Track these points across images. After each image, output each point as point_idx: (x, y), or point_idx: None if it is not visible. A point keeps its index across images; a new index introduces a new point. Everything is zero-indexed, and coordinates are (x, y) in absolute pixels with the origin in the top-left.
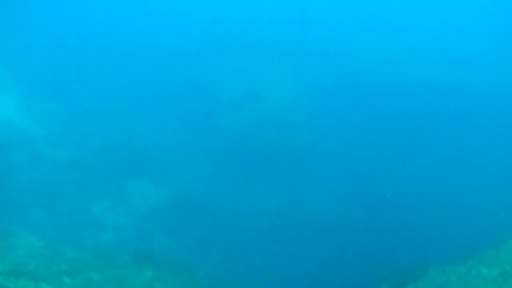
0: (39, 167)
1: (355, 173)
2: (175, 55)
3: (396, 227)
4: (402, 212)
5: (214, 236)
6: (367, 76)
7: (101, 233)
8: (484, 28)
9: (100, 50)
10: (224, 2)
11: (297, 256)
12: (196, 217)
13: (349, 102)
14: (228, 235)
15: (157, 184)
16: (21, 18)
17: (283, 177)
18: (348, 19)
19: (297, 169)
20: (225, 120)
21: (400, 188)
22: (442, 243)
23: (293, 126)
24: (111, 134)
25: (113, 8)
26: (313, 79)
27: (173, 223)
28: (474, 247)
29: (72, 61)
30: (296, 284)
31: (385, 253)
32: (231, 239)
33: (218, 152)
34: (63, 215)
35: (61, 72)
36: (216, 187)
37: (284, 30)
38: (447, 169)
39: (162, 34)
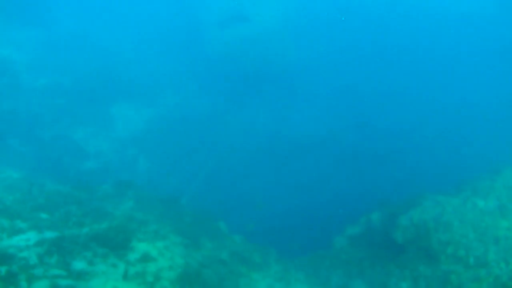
0: (19, 96)
1: (345, 96)
2: None
3: (388, 154)
4: (393, 139)
5: (198, 161)
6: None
7: (83, 161)
8: None
9: None
10: None
11: (284, 182)
12: (180, 142)
13: (337, 25)
14: (213, 160)
15: (141, 108)
16: None
17: (270, 99)
18: None
19: (285, 91)
20: (211, 42)
21: (392, 115)
22: (436, 173)
23: (281, 48)
24: (93, 59)
25: None
26: (301, 1)
27: (156, 148)
28: (468, 177)
29: None
30: (282, 211)
31: (376, 181)
32: (216, 165)
33: (204, 75)
34: (43, 144)
35: None
36: (201, 111)
37: None
38: (442, 95)
39: None
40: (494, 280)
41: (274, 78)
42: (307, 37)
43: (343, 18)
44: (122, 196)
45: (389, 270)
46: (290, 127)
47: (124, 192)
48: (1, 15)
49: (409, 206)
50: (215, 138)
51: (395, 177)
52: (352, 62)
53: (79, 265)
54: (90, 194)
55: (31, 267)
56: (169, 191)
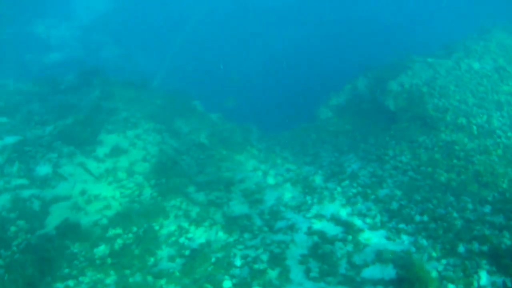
0: None
1: None
2: None
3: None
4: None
5: (168, 41)
6: None
7: (46, 54)
8: None
9: None
10: None
11: (261, 52)
12: (147, 23)
13: None
14: (184, 37)
15: None
16: None
17: None
18: None
19: None
20: None
21: None
22: (422, 34)
23: None
24: None
25: None
26: None
27: (122, 32)
28: (458, 37)
29: None
30: (260, 85)
31: (358, 46)
32: (188, 41)
33: None
34: (3, 42)
35: None
36: None
37: None
38: None
39: None
40: (503, 152)
41: None
42: None
43: None
44: (87, 85)
45: (383, 142)
46: None
47: (89, 81)
48: None
49: (398, 70)
50: (187, 13)
51: (379, 40)
52: None
53: (43, 170)
54: (53, 88)
55: None
56: (138, 76)
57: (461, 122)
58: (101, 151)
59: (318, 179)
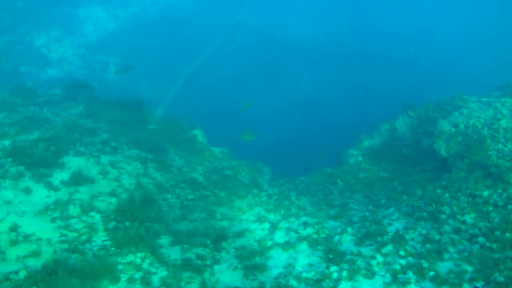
0: None
1: None
2: None
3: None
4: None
5: (176, 68)
6: None
7: (43, 69)
8: None
9: None
10: None
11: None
12: (159, 46)
13: None
14: (192, 67)
15: (114, 8)
16: None
17: None
18: None
19: None
20: None
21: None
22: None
23: None
24: None
25: None
26: None
27: (129, 53)
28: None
29: None
30: (277, 120)
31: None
32: (195, 72)
33: None
34: None
35: None
36: (185, 10)
37: None
38: None
39: None
40: None
41: None
42: None
43: None
44: (72, 101)
45: (434, 196)
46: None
47: (75, 97)
48: None
49: (446, 109)
50: (200, 38)
51: (415, 80)
52: None
53: None
54: (30, 99)
55: None
56: (136, 97)
57: None
58: (58, 176)
59: (347, 241)
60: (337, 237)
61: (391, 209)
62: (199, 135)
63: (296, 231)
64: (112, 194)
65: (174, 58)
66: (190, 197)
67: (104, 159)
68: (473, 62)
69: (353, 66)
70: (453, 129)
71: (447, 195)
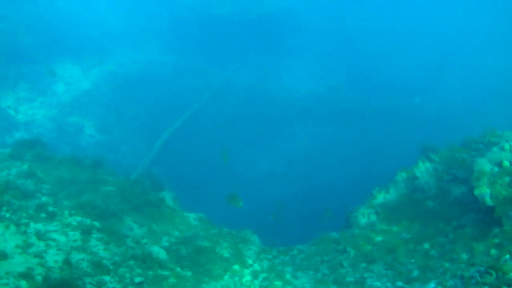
0: None
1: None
2: None
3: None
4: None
5: (158, 128)
6: None
7: (9, 132)
8: None
9: None
10: None
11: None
12: (137, 107)
13: None
14: (174, 125)
15: (89, 67)
16: None
17: (254, 54)
18: None
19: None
20: None
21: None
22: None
23: None
24: (31, 12)
25: None
26: None
27: (105, 114)
28: None
29: None
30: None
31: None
32: (178, 132)
33: (169, 31)
34: None
35: None
36: (165, 69)
37: None
38: None
39: None
40: None
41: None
42: None
43: None
44: (17, 159)
45: (489, 260)
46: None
47: (21, 155)
48: None
49: (478, 149)
50: (185, 96)
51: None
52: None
53: None
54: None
55: None
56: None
57: None
58: None
59: None
60: None
61: (432, 285)
62: (168, 198)
63: None
64: (25, 275)
65: (156, 119)
66: (137, 279)
67: (33, 227)
68: (482, 103)
69: (355, 119)
70: (496, 169)
71: (508, 256)
